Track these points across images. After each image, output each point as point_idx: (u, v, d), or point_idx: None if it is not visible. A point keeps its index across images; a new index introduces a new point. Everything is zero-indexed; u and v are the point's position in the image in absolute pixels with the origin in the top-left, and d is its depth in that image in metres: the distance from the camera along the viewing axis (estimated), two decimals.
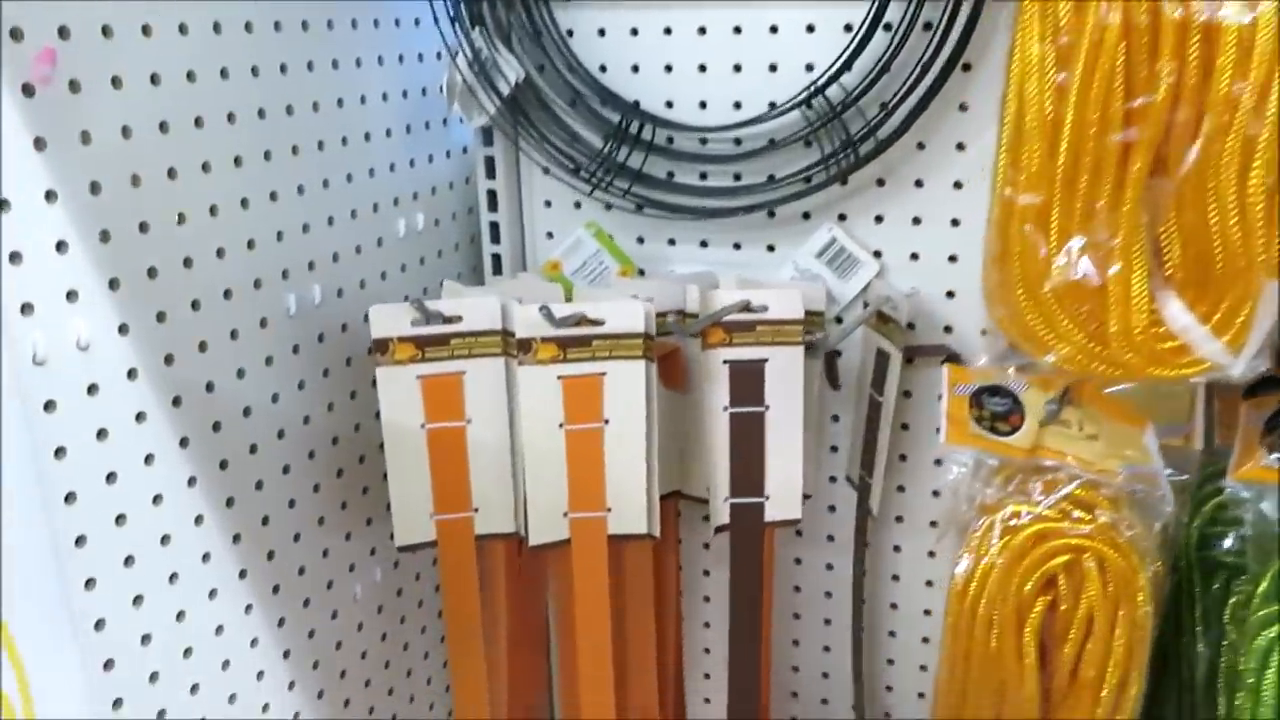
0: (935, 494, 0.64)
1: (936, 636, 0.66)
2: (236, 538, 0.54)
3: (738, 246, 0.63)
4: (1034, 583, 0.45)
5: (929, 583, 0.66)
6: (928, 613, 0.66)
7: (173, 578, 0.50)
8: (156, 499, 0.49)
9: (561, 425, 0.52)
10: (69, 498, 0.44)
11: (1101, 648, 0.44)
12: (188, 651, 0.51)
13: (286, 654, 0.58)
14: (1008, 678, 0.46)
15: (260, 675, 0.57)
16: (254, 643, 0.56)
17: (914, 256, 0.60)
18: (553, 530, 0.54)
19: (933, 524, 0.64)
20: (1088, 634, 0.45)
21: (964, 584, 0.47)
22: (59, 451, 0.43)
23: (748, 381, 0.54)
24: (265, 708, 0.57)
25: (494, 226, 0.68)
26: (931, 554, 0.65)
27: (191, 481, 0.50)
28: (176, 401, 0.49)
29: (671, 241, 0.65)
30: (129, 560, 0.48)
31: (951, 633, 0.48)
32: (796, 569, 0.69)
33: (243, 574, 0.54)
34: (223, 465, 0.52)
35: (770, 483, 0.56)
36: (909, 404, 0.62)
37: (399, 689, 0.70)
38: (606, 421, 0.52)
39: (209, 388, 0.51)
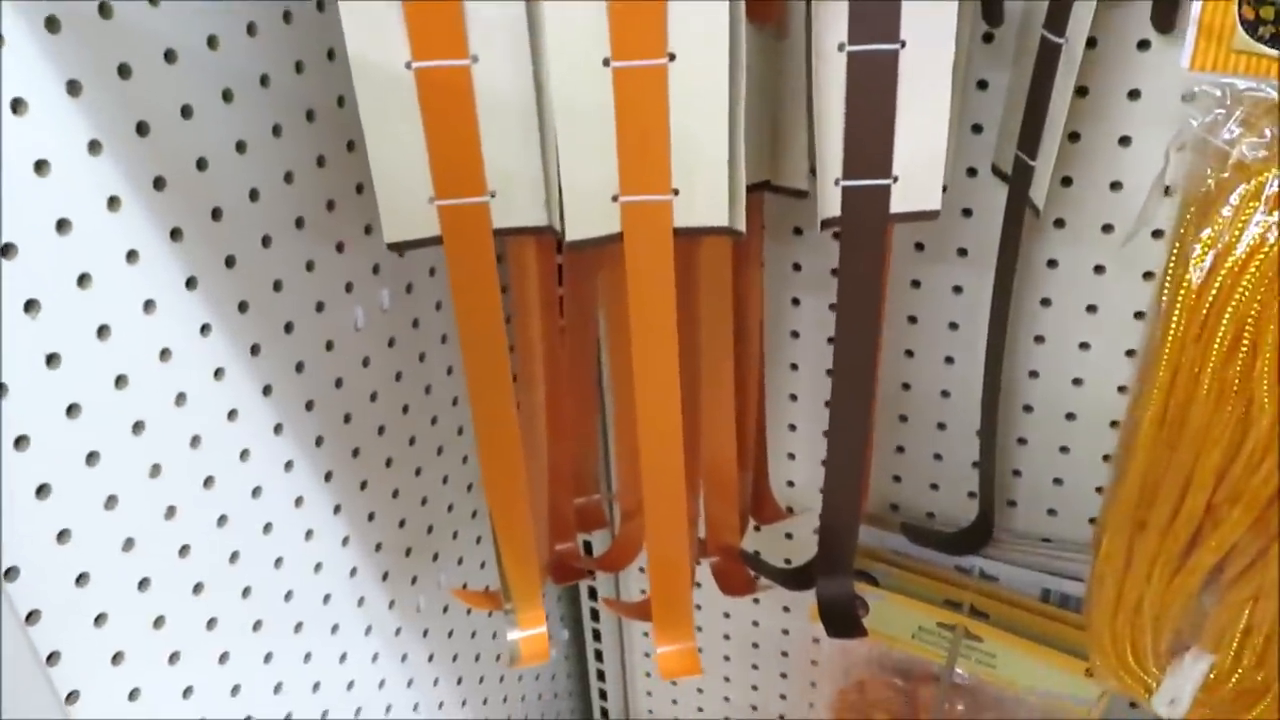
0: (1115, 187, 0.47)
1: (1094, 376, 0.52)
2: (176, 233, 0.40)
3: None
4: None
5: (1090, 308, 0.51)
6: (1084, 346, 0.52)
7: (84, 280, 0.37)
8: (40, 166, 0.35)
9: (607, 62, 0.36)
10: None
11: None
12: (120, 380, 0.39)
13: (267, 390, 0.46)
14: (1254, 414, 0.32)
15: (233, 415, 0.44)
16: (218, 373, 0.43)
17: None
18: (598, 220, 0.39)
19: (1106, 228, 0.48)
20: None
21: (1204, 281, 0.32)
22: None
23: (876, 4, 0.37)
24: (244, 454, 0.45)
25: None
26: (1099, 269, 0.49)
27: (95, 148, 0.36)
28: (53, 24, 0.34)
29: None
30: (7, 249, 0.34)
31: (1173, 354, 0.33)
32: (913, 294, 0.54)
33: (191, 283, 0.41)
34: (141, 129, 0.38)
35: (901, 159, 0.39)
36: (1089, 57, 0.45)
37: (423, 439, 0.58)
38: (672, 57, 0.36)
39: (103, 11, 0.36)
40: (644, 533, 0.46)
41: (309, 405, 0.49)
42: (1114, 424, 0.53)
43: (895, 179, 0.40)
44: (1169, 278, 0.34)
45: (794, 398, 0.61)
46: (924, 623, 0.53)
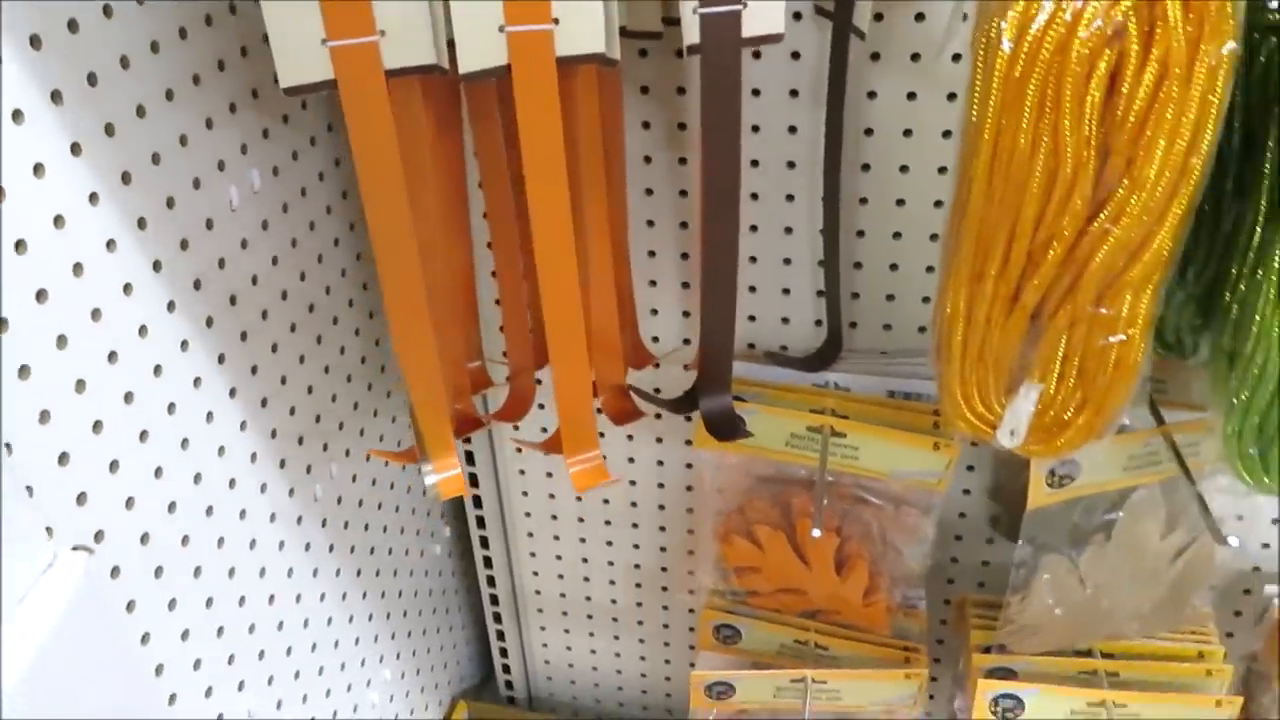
0: (919, 18, 0.54)
1: (914, 195, 0.60)
2: (56, 96, 0.40)
3: None
4: (1103, 27, 0.37)
5: (907, 132, 0.58)
6: (904, 169, 0.59)
7: None
8: None
9: None
10: None
11: (1179, 91, 0.37)
12: (19, 245, 0.38)
13: (157, 265, 0.46)
14: (1060, 157, 0.39)
15: (128, 289, 0.44)
16: (110, 245, 0.43)
17: None
18: (487, 52, 0.41)
19: (914, 57, 0.55)
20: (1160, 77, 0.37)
21: (1013, 53, 0.38)
22: None
23: None
24: (143, 330, 0.46)
25: None
26: (911, 95, 0.57)
27: None
28: None
29: None
30: None
31: (994, 120, 0.40)
32: (754, 139, 0.60)
33: (75, 149, 0.41)
34: None
35: None
36: None
37: (303, 325, 0.59)
38: None
39: None
40: (543, 373, 0.50)
41: (197, 284, 0.49)
42: (934, 237, 0.60)
43: (744, 5, 0.45)
44: (982, 61, 0.41)
45: (652, 254, 0.65)
46: (794, 429, 0.59)
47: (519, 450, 0.77)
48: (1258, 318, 0.43)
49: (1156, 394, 0.56)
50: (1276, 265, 0.43)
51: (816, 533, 0.55)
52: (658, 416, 0.73)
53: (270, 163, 0.55)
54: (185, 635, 0.50)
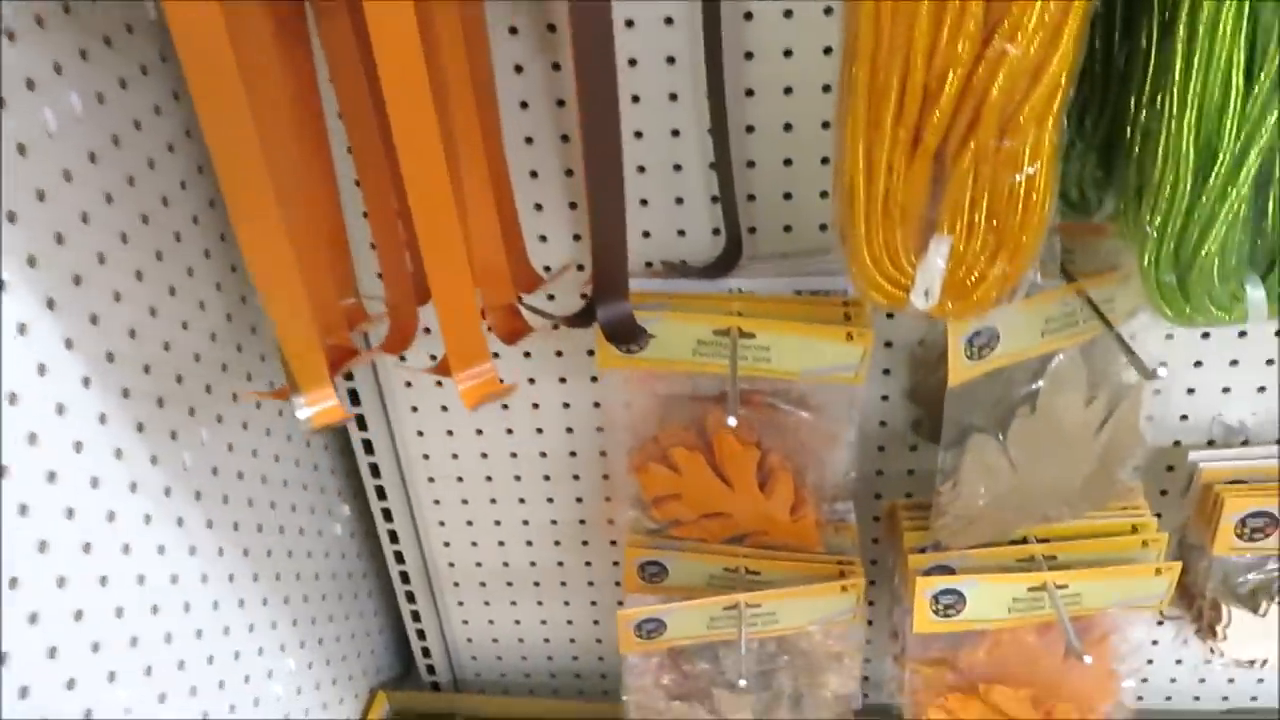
0: None
1: (800, 81, 0.57)
2: None
3: None
4: None
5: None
6: (788, 54, 0.56)
7: None
8: None
9: None
10: None
11: None
12: None
13: None
14: None
15: None
16: None
17: None
18: None
19: None
20: None
21: None
22: None
23: None
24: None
25: None
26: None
27: None
28: None
29: None
30: None
31: None
32: (626, 35, 0.56)
33: None
34: None
35: None
36: None
37: (150, 273, 0.53)
38: None
39: None
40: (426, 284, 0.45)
41: (11, 216, 0.43)
42: (826, 125, 0.58)
43: None
44: None
45: (534, 175, 0.61)
46: (701, 335, 0.56)
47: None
48: (1162, 138, 0.42)
49: (1066, 264, 0.55)
50: (1175, 82, 0.41)
51: (732, 421, 0.51)
52: (559, 354, 0.68)
53: (92, 88, 0.49)
54: (34, 618, 0.44)
